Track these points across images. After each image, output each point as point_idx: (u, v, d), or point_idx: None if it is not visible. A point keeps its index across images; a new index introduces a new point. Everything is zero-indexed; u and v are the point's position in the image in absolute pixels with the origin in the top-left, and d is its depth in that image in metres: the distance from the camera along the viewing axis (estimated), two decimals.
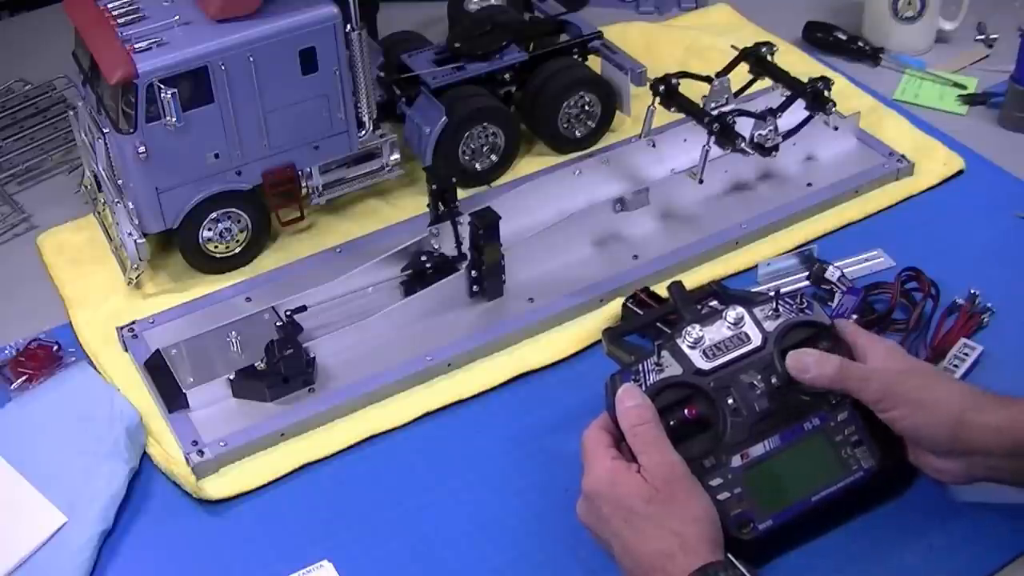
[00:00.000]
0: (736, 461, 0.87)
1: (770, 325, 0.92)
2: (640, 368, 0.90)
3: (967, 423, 0.85)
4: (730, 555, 0.81)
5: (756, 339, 0.91)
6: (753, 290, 1.09)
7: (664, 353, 0.90)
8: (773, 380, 0.90)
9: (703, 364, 0.90)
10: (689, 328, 0.91)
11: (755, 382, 0.90)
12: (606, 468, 0.84)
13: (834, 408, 0.90)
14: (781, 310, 0.93)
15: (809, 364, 0.89)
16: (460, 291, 1.12)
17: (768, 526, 0.86)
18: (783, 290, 0.98)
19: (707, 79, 1.23)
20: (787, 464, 0.88)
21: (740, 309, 0.92)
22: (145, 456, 1.01)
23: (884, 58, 1.47)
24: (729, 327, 0.92)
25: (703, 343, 0.91)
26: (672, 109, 1.21)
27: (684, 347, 0.91)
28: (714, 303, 1.02)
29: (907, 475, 0.92)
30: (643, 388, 0.88)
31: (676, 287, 1.02)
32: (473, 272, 1.11)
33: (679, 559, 0.79)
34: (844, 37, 1.49)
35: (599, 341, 1.09)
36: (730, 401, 0.89)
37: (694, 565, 0.79)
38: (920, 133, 1.32)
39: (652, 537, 0.81)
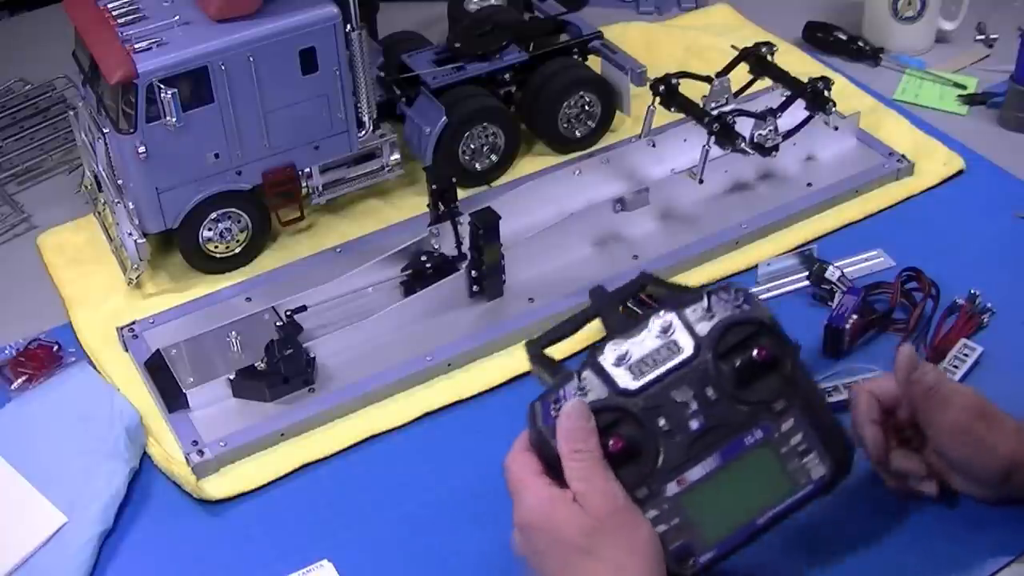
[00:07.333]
0: (672, 488, 0.78)
1: (703, 328, 0.81)
2: (562, 394, 0.80)
3: (1019, 466, 0.85)
4: None
5: (688, 347, 0.80)
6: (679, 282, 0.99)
7: (586, 374, 0.81)
8: (709, 392, 0.79)
9: (630, 383, 0.80)
10: (612, 344, 0.81)
11: (688, 396, 0.79)
12: (540, 498, 0.77)
13: (778, 417, 0.80)
14: (714, 308, 0.81)
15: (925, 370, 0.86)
16: (460, 291, 1.12)
17: (711, 557, 0.79)
18: (782, 291, 0.97)
19: (707, 79, 1.23)
20: (729, 485, 0.79)
21: (667, 316, 0.81)
22: (145, 456, 1.01)
23: (884, 58, 1.47)
24: (657, 336, 0.81)
25: (628, 359, 0.80)
26: (672, 109, 1.21)
27: (608, 366, 0.80)
28: (639, 305, 0.98)
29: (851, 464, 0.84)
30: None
31: (598, 291, 0.91)
32: (473, 272, 1.11)
33: None
34: (844, 37, 1.49)
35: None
36: (662, 422, 0.79)
37: None
38: (920, 133, 1.32)
39: (592, 571, 0.75)
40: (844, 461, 0.82)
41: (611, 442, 0.78)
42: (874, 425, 0.89)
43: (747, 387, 0.80)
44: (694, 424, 0.79)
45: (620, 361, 0.80)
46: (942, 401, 0.86)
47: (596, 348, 0.82)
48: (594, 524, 0.76)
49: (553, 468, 0.78)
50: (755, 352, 0.80)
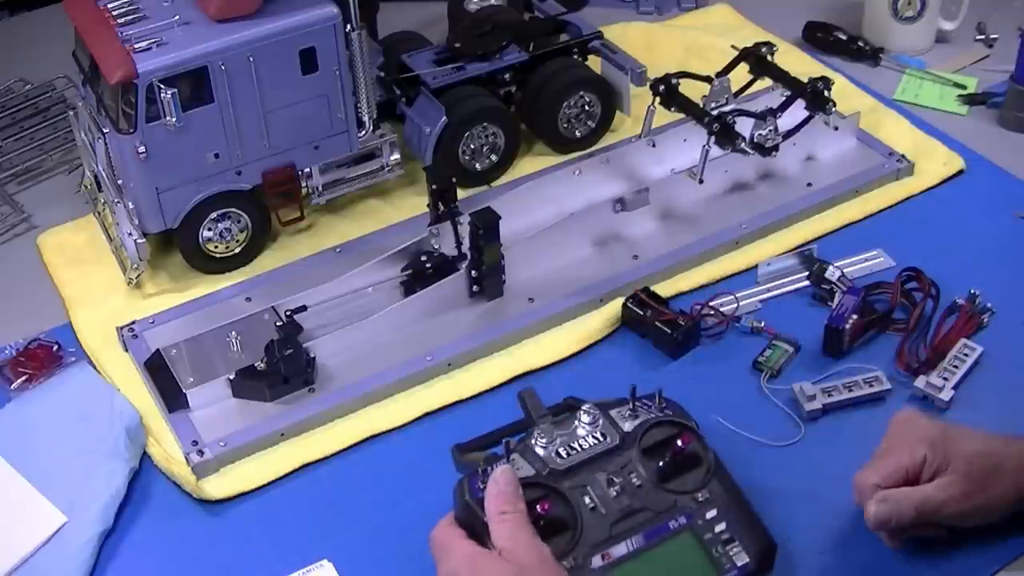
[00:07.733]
0: (597, 561, 0.81)
1: (628, 425, 0.87)
2: (489, 470, 0.83)
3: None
4: None
5: (613, 439, 0.87)
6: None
7: (515, 456, 0.86)
8: (633, 478, 0.85)
9: (557, 464, 0.85)
10: (542, 429, 0.87)
11: (613, 478, 0.84)
12: (466, 553, 0.79)
13: (702, 505, 0.84)
14: (639, 411, 0.88)
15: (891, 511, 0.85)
16: (460, 291, 1.12)
17: None
18: (782, 291, 0.97)
19: (707, 79, 1.23)
20: (654, 564, 0.81)
21: (595, 410, 0.88)
22: (145, 456, 1.01)
23: (884, 58, 1.47)
24: (584, 427, 0.87)
25: (556, 444, 0.86)
26: (672, 109, 1.21)
27: (537, 448, 0.86)
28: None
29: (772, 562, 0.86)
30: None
31: (527, 395, 0.93)
32: (473, 272, 1.11)
33: None
34: (844, 37, 1.49)
35: (599, 341, 1.09)
36: (587, 500, 0.83)
37: None
38: (920, 133, 1.32)
39: None
40: (768, 555, 0.84)
41: (539, 506, 0.81)
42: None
43: (670, 479, 0.85)
44: (618, 504, 0.83)
45: (548, 445, 0.86)
46: (932, 514, 0.86)
47: (524, 437, 0.87)
48: (520, 571, 0.76)
49: (480, 538, 0.80)
50: (678, 442, 0.85)
